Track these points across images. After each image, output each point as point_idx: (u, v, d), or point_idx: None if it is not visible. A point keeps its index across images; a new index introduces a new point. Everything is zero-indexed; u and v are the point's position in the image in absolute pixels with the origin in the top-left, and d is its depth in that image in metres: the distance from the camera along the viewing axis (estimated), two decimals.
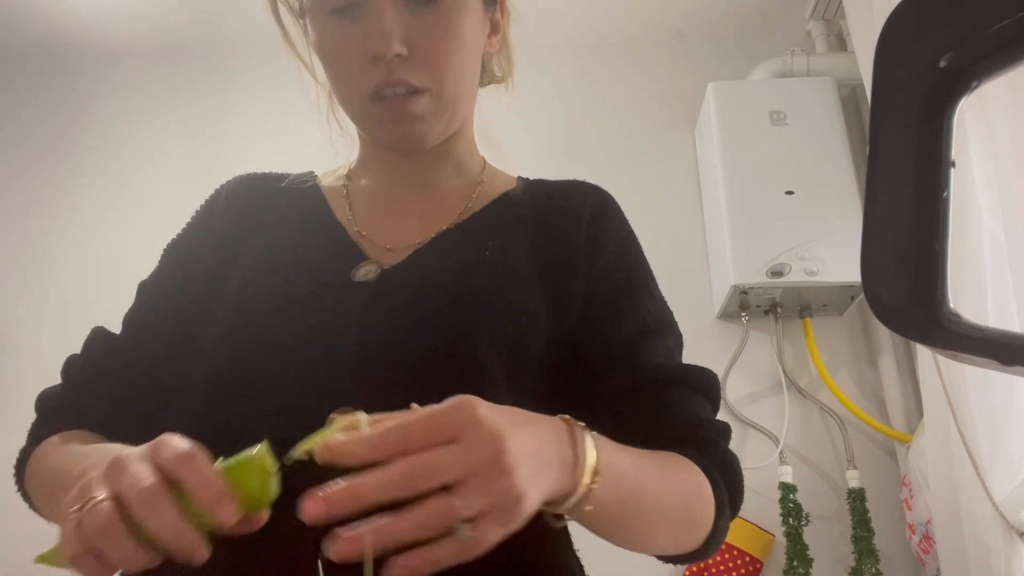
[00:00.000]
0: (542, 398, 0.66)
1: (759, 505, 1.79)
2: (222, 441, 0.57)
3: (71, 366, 0.71)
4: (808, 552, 1.66)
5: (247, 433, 0.57)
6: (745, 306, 1.92)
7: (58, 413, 0.68)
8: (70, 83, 2.41)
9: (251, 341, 0.63)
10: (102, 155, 2.31)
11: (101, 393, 0.68)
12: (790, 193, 1.89)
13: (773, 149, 1.96)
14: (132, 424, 0.64)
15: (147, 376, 0.69)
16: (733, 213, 1.90)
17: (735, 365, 1.93)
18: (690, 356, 2.16)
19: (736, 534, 1.73)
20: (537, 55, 2.44)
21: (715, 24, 2.35)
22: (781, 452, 1.81)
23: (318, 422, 0.55)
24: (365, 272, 0.67)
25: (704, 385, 0.73)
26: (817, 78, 2.08)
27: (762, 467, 1.81)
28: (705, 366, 0.76)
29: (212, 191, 0.82)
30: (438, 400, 0.59)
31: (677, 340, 0.78)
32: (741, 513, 1.82)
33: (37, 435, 0.66)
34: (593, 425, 0.61)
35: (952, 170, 0.41)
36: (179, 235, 0.79)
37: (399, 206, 0.76)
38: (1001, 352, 0.37)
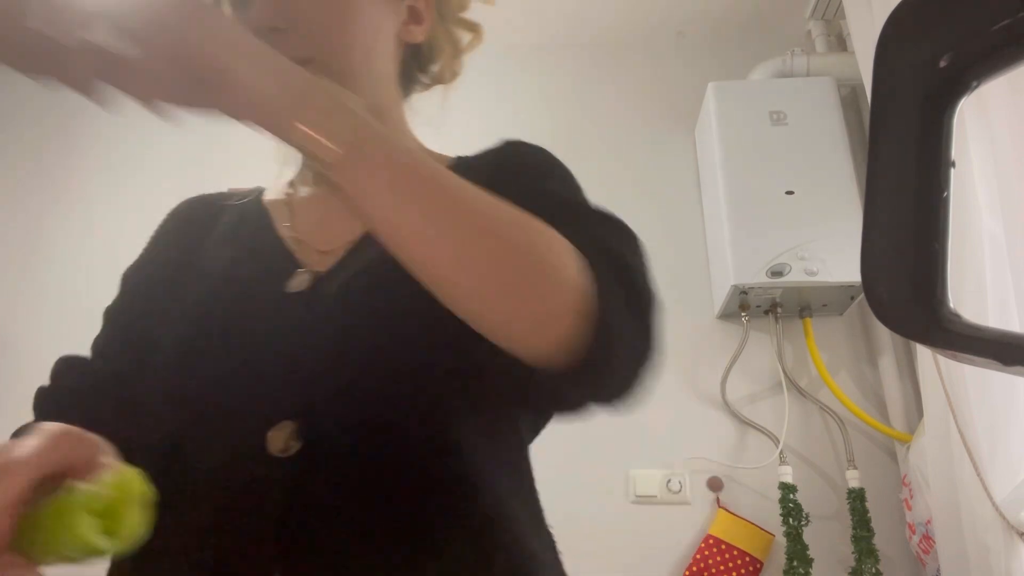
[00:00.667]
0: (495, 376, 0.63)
1: (759, 505, 1.79)
2: (174, 467, 0.59)
3: (40, 397, 0.70)
4: (808, 552, 1.66)
5: (193, 458, 0.59)
6: (745, 306, 1.92)
7: None
8: None
9: (191, 365, 0.63)
10: (101, 153, 2.31)
11: (71, 420, 0.67)
12: (790, 193, 1.89)
13: (773, 149, 1.96)
14: (104, 435, 0.64)
15: (116, 400, 0.68)
16: (733, 213, 1.90)
17: (735, 365, 1.93)
18: (690, 356, 2.16)
19: (736, 534, 1.73)
20: (537, 55, 2.45)
21: (715, 24, 2.35)
22: (781, 452, 1.81)
23: (258, 439, 0.57)
24: (299, 282, 0.65)
25: (617, 224, 0.65)
26: (817, 78, 2.08)
27: (762, 467, 1.81)
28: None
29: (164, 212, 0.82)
30: (379, 408, 0.59)
31: (626, 238, 0.67)
32: (741, 513, 1.84)
33: None
34: None
35: (952, 170, 0.41)
36: (136, 259, 0.79)
37: (331, 204, 0.74)
38: (1001, 352, 0.37)
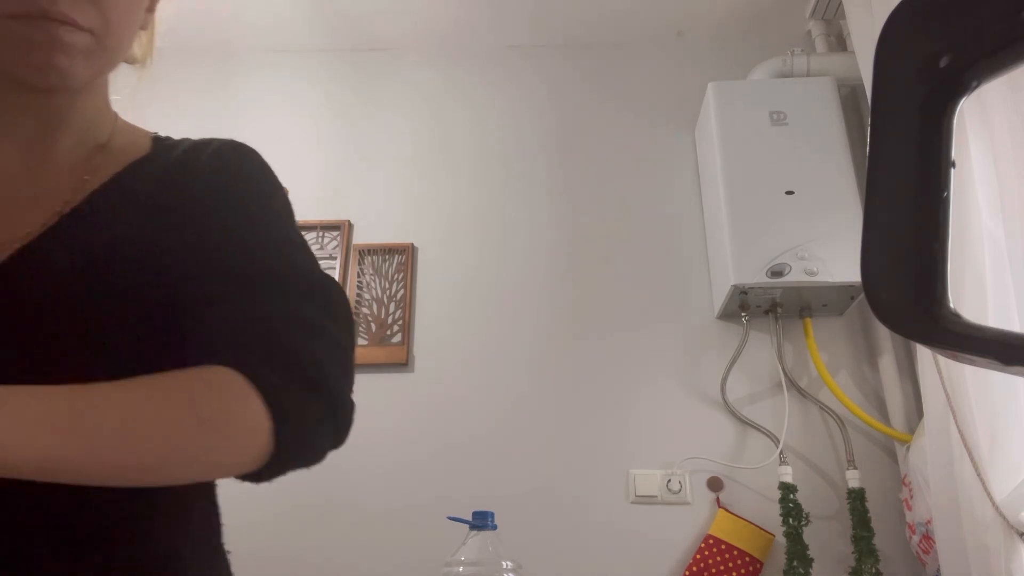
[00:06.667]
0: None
1: (759, 505, 1.79)
2: None
3: None
4: (808, 552, 1.66)
5: None
6: (745, 306, 1.92)
7: None
8: None
9: None
10: None
11: None
12: (790, 193, 1.89)
13: (773, 149, 1.96)
14: None
15: None
16: (733, 213, 1.90)
17: (735, 365, 1.93)
18: (690, 356, 2.17)
19: (736, 534, 1.73)
20: (537, 55, 2.45)
21: (715, 24, 2.35)
22: (781, 452, 1.81)
23: None
24: None
25: (309, 284, 0.62)
26: (817, 78, 2.08)
27: (762, 467, 1.81)
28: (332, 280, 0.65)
29: None
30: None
31: (304, 258, 0.66)
32: (741, 513, 1.83)
33: None
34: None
35: (952, 170, 0.41)
36: None
37: (5, 184, 0.64)
38: (1001, 352, 0.37)
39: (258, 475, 0.54)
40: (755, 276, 1.82)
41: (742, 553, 1.71)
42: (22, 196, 0.63)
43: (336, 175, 2.27)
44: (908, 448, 1.72)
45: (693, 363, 1.96)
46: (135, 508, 0.60)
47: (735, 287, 1.85)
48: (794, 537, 1.68)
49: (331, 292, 0.63)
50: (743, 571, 1.70)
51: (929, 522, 1.56)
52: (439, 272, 2.12)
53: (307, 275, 0.63)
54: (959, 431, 1.36)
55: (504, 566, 1.28)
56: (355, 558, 1.80)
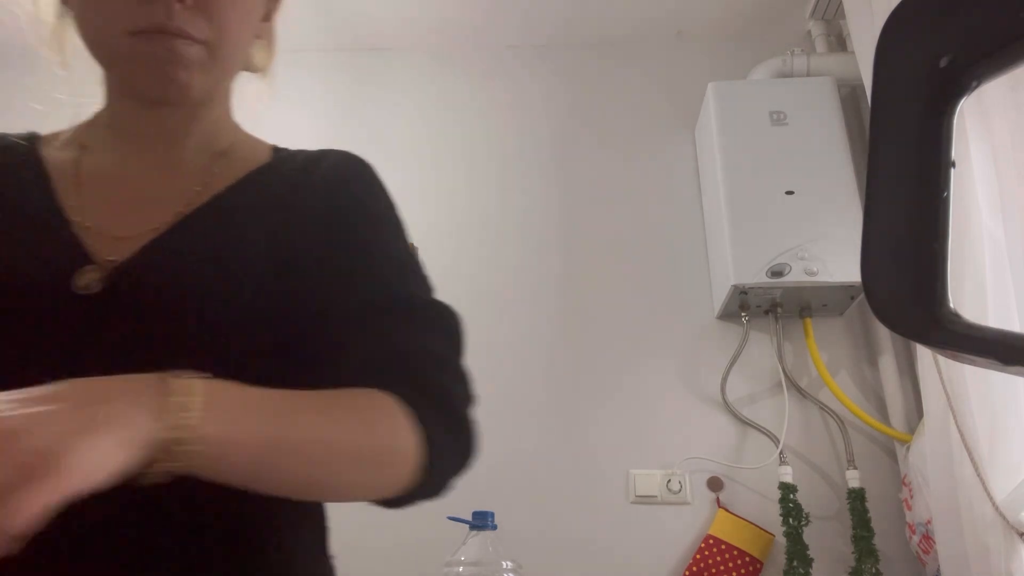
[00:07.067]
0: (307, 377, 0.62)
1: (759, 505, 1.79)
2: None
3: None
4: (808, 552, 1.66)
5: None
6: (745, 306, 1.92)
7: None
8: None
9: None
10: None
11: None
12: (790, 193, 1.89)
13: (773, 149, 1.96)
14: None
15: None
16: (733, 213, 1.90)
17: (735, 365, 1.93)
18: (690, 356, 2.17)
19: (736, 534, 1.73)
20: (537, 55, 2.45)
21: (715, 24, 2.35)
22: (781, 452, 1.81)
23: None
24: (88, 281, 0.58)
25: (438, 322, 0.67)
26: (817, 78, 2.08)
27: (762, 467, 1.81)
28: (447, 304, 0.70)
29: None
30: None
31: (422, 281, 0.72)
32: (741, 513, 1.84)
33: None
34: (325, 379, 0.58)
35: (952, 170, 0.41)
36: None
37: (135, 185, 0.68)
38: (1001, 352, 0.37)
39: (391, 502, 0.58)
40: (755, 276, 1.82)
41: (742, 553, 1.71)
42: (150, 196, 0.67)
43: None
44: (908, 448, 1.72)
45: (693, 363, 1.96)
46: (259, 514, 0.61)
47: (735, 287, 1.85)
48: (794, 537, 1.68)
49: (454, 320, 0.68)
50: (743, 571, 1.70)
51: (929, 522, 1.56)
52: (438, 272, 2.10)
53: (432, 303, 0.68)
54: (959, 431, 1.36)
55: (504, 566, 1.28)
56: (355, 557, 1.80)
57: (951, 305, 0.40)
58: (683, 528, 1.79)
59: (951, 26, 0.40)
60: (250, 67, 0.77)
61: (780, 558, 1.70)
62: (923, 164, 0.41)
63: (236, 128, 0.77)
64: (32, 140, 0.73)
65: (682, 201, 2.17)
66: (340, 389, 0.56)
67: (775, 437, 1.84)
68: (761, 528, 1.74)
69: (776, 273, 1.81)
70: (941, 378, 1.42)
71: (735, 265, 1.84)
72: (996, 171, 1.42)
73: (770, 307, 1.93)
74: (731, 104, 2.05)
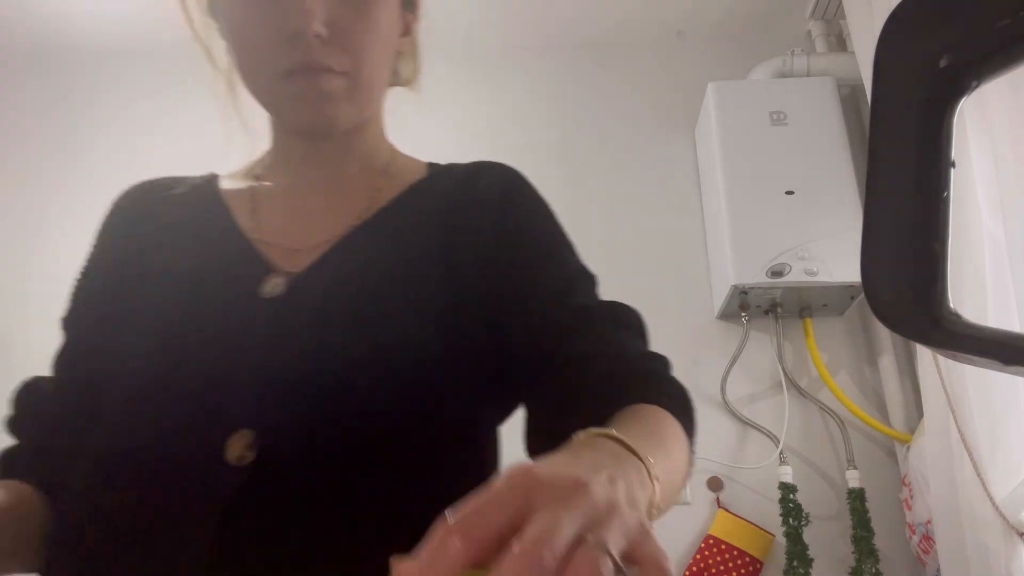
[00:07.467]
0: (483, 386, 0.65)
1: (759, 505, 1.79)
2: (124, 477, 0.58)
3: (5, 423, 0.70)
4: (808, 552, 1.66)
5: (148, 467, 0.57)
6: (745, 306, 1.92)
7: None
8: (69, 83, 2.41)
9: (156, 371, 0.61)
10: (100, 155, 2.31)
11: (28, 442, 0.68)
12: (790, 193, 1.89)
13: (773, 149, 1.96)
14: (55, 464, 0.64)
15: (70, 413, 0.67)
16: (733, 213, 1.90)
17: (735, 365, 1.93)
18: (690, 356, 2.16)
19: (736, 534, 1.73)
20: (537, 55, 2.45)
21: (715, 24, 2.35)
22: (781, 452, 1.81)
23: (217, 445, 0.55)
24: (273, 286, 0.64)
25: (631, 321, 0.71)
26: (817, 78, 2.08)
27: (762, 467, 1.81)
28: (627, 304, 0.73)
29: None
30: (347, 425, 0.58)
31: (598, 291, 0.75)
32: (741, 513, 1.83)
33: None
34: (538, 390, 0.61)
35: (952, 170, 0.41)
36: (84, 264, 0.76)
37: (304, 204, 0.74)
38: (1001, 352, 0.37)
39: None
40: (755, 276, 1.82)
41: (742, 553, 1.71)
42: (319, 214, 0.72)
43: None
44: (908, 448, 1.72)
45: (693, 363, 1.96)
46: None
47: (735, 287, 1.84)
48: (794, 537, 1.68)
49: (639, 318, 0.72)
50: (743, 571, 1.70)
51: (929, 522, 1.56)
52: None
53: (620, 305, 0.71)
54: (959, 431, 1.36)
55: None
56: None
57: (951, 305, 0.40)
58: (683, 528, 1.79)
59: (951, 26, 0.40)
60: (399, 82, 0.82)
61: (780, 558, 1.70)
62: (923, 164, 0.41)
63: (391, 145, 0.81)
64: (210, 178, 0.79)
65: (682, 201, 2.17)
66: (637, 408, 0.57)
67: (775, 437, 1.84)
68: (761, 528, 1.74)
69: (776, 273, 1.81)
70: (941, 378, 1.42)
71: (735, 265, 1.84)
72: (996, 171, 1.42)
73: (770, 307, 1.93)
74: (731, 104, 2.05)
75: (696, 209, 2.15)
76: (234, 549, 0.53)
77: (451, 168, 0.79)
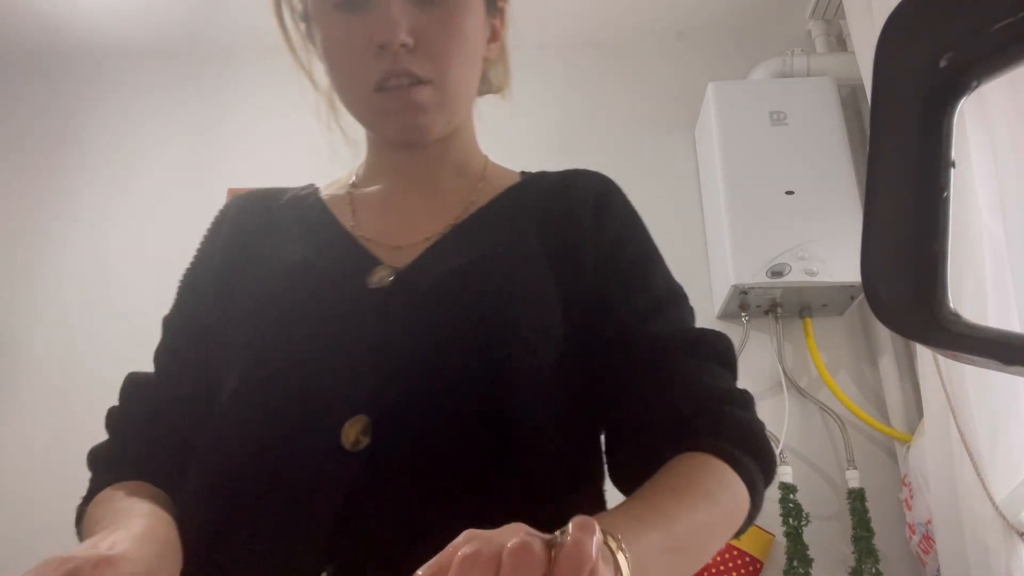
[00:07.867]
0: (563, 387, 0.66)
1: None
2: (242, 463, 0.60)
3: (110, 418, 0.72)
4: (808, 552, 1.66)
5: (267, 451, 0.59)
6: (745, 306, 1.92)
7: (102, 467, 0.69)
8: (70, 83, 2.41)
9: (269, 360, 0.64)
10: (101, 155, 2.31)
11: (138, 439, 0.70)
12: (790, 193, 1.89)
13: (773, 149, 1.96)
14: (168, 461, 0.66)
15: (179, 411, 0.69)
16: (733, 213, 1.90)
17: None
18: None
19: None
20: (537, 55, 2.44)
21: (715, 24, 2.35)
22: (781, 452, 1.81)
23: (334, 431, 0.57)
24: (380, 277, 0.67)
25: (716, 351, 0.72)
26: (817, 78, 2.08)
27: None
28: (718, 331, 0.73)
29: (214, 211, 0.82)
30: (456, 409, 0.60)
31: (689, 310, 0.77)
32: None
33: (90, 492, 0.68)
34: (608, 406, 0.64)
35: (952, 170, 0.41)
36: (191, 264, 0.79)
37: (403, 206, 0.77)
38: (1001, 352, 0.37)
39: None
40: (755, 276, 1.82)
41: (742, 553, 1.71)
42: (418, 215, 0.75)
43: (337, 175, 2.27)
44: (908, 448, 1.72)
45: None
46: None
47: (735, 287, 1.84)
48: (794, 537, 1.68)
49: (729, 348, 0.74)
50: (743, 571, 1.70)
51: (929, 522, 1.56)
52: None
53: (709, 333, 0.72)
54: (959, 431, 1.36)
55: None
56: None
57: (951, 305, 0.40)
58: None
59: (951, 26, 0.40)
60: (490, 89, 0.86)
61: (780, 558, 1.70)
62: (923, 164, 0.41)
63: (483, 157, 0.85)
64: (311, 188, 0.83)
65: (682, 201, 2.17)
66: (677, 469, 0.58)
67: (775, 437, 1.84)
68: (761, 528, 1.74)
69: (776, 273, 1.81)
70: (941, 378, 1.42)
71: (735, 265, 1.84)
72: (996, 171, 1.42)
73: (770, 307, 1.93)
74: (731, 104, 2.05)
75: (696, 209, 2.15)
76: (352, 533, 0.55)
77: (544, 174, 0.84)
